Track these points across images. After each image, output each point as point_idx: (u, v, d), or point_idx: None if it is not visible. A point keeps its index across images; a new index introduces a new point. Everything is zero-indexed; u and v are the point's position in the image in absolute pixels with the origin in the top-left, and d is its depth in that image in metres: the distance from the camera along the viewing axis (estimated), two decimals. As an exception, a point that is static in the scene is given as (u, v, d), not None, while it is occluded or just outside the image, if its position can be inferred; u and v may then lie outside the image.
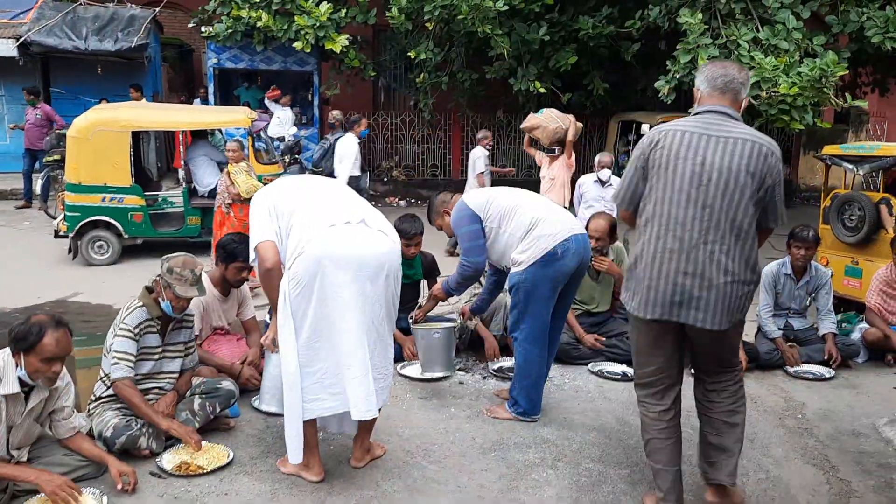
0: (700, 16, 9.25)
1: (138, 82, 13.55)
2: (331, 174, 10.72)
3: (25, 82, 12.94)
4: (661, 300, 3.12)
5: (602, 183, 7.92)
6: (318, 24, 11.20)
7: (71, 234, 8.70)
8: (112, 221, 8.79)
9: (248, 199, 7.17)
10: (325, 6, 11.10)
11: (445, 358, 4.77)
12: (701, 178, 3.07)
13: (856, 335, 5.78)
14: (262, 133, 10.17)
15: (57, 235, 9.09)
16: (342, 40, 11.64)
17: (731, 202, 3.05)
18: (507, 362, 5.12)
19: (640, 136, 12.67)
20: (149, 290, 3.94)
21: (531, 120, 8.59)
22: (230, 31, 12.12)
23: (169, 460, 3.63)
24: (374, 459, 3.82)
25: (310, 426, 3.48)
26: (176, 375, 4.01)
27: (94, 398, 3.87)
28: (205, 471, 3.57)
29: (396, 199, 14.56)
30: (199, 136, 9.92)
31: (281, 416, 3.61)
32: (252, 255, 3.53)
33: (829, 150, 8.33)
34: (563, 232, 4.19)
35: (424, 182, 15.17)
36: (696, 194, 3.07)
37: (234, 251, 4.45)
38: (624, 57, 11.99)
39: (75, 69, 13.68)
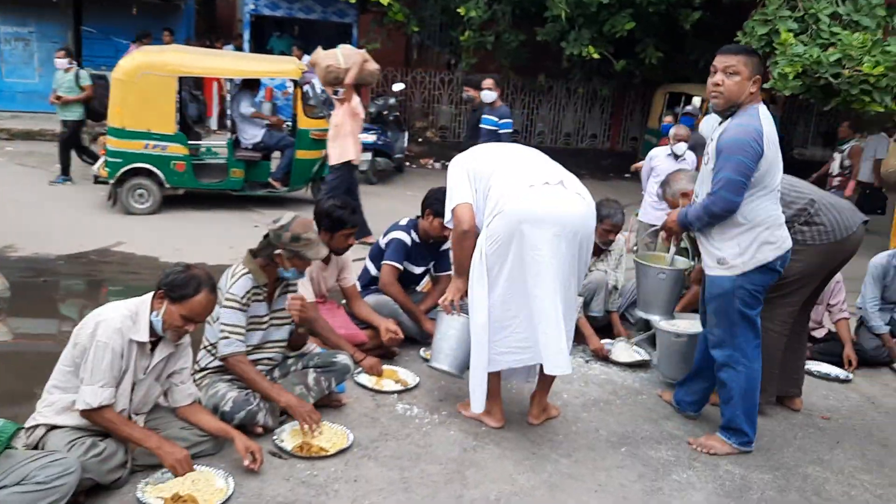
0: (781, -14, 8.85)
1: (171, 26, 13.10)
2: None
3: (58, 21, 12.46)
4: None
5: (676, 157, 7.53)
6: (364, -26, 10.76)
7: (112, 181, 8.40)
8: (154, 170, 8.46)
9: None
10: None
11: (667, 302, 4.21)
12: None
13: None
14: (311, 87, 9.76)
15: (97, 181, 8.78)
16: (389, -8, 11.21)
17: None
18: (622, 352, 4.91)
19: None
20: (253, 253, 3.63)
21: (314, 55, 7.71)
22: (271, -25, 11.66)
23: (289, 440, 3.35)
24: (550, 419, 3.90)
25: (494, 376, 3.64)
26: (284, 344, 3.74)
27: (198, 368, 3.58)
28: (327, 453, 3.30)
29: (431, 161, 14.14)
30: (247, 86, 9.52)
31: (453, 375, 3.89)
32: (448, 217, 3.66)
33: (911, 134, 8.02)
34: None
35: (460, 144, 14.76)
36: None
37: (342, 218, 4.14)
38: (682, 25, 11.56)
39: (108, 9, 13.19)
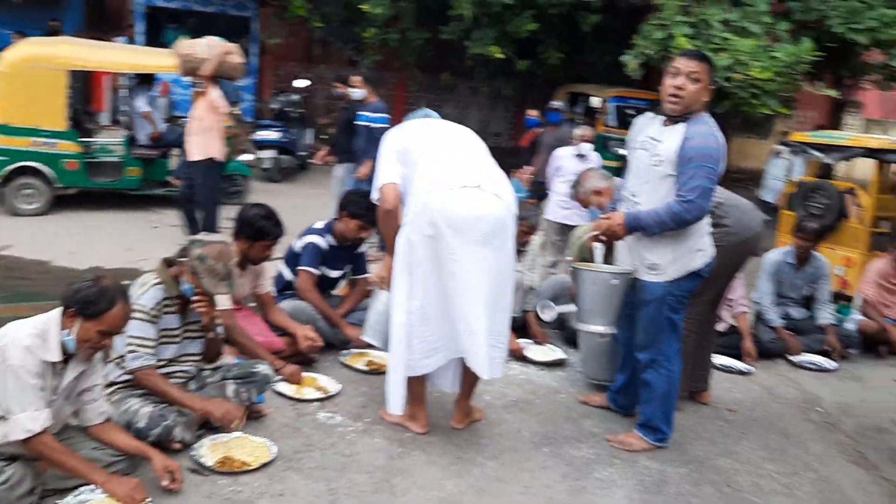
0: (677, -8, 9.19)
1: (58, 16, 12.39)
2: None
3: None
4: None
5: (581, 157, 7.69)
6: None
7: (-4, 181, 7.88)
8: (43, 168, 8.03)
9: None
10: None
11: (612, 311, 3.75)
12: None
13: (850, 326, 5.86)
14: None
15: (-21, 181, 8.23)
16: (289, -15, 10.98)
17: None
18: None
19: (589, 108, 12.62)
20: (167, 262, 3.47)
21: (176, 44, 7.27)
22: (167, -35, 11.22)
23: (209, 455, 3.22)
24: (474, 422, 3.91)
25: (418, 380, 3.62)
26: (198, 357, 3.59)
27: (108, 382, 3.38)
28: (250, 467, 3.19)
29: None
30: (144, 80, 9.12)
31: (380, 349, 3.92)
32: (376, 195, 3.61)
33: (797, 137, 8.48)
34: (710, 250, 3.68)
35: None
36: None
37: (263, 229, 4.03)
38: (582, 27, 11.82)
39: (-13, -4, 12.34)
